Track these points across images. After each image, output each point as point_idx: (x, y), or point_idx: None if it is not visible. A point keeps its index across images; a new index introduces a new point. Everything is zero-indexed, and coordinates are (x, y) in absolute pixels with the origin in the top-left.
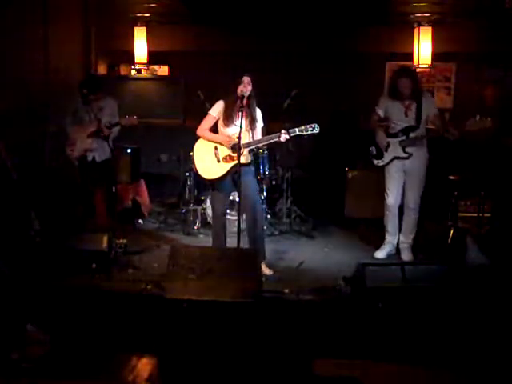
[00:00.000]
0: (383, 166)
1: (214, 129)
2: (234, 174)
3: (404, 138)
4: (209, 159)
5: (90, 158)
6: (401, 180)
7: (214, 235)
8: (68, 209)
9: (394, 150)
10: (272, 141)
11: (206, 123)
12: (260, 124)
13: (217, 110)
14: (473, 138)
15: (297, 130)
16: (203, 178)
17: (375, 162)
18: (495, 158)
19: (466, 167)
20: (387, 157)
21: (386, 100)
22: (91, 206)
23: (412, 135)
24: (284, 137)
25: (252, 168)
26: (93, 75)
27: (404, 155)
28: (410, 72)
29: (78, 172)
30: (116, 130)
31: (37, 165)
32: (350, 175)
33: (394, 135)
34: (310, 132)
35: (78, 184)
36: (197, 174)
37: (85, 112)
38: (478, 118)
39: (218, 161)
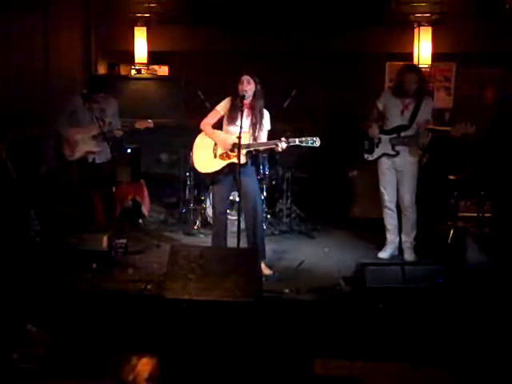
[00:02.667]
0: (373, 162)
1: (220, 124)
2: (234, 173)
3: (395, 135)
4: (206, 153)
5: (90, 160)
6: (393, 177)
7: (214, 235)
8: (67, 209)
9: (384, 146)
10: (270, 147)
11: (211, 118)
12: (266, 127)
13: (223, 106)
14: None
15: (297, 140)
16: (197, 171)
17: (365, 156)
18: (494, 158)
19: (465, 167)
20: (377, 152)
21: (387, 95)
22: (89, 208)
23: (403, 134)
24: (281, 146)
25: (252, 168)
26: (94, 76)
27: (392, 153)
28: (418, 69)
29: (76, 173)
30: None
31: (37, 165)
32: (349, 175)
33: (386, 132)
34: (309, 144)
35: (76, 185)
36: (192, 166)
37: (86, 113)
38: (463, 124)
39: (215, 156)
